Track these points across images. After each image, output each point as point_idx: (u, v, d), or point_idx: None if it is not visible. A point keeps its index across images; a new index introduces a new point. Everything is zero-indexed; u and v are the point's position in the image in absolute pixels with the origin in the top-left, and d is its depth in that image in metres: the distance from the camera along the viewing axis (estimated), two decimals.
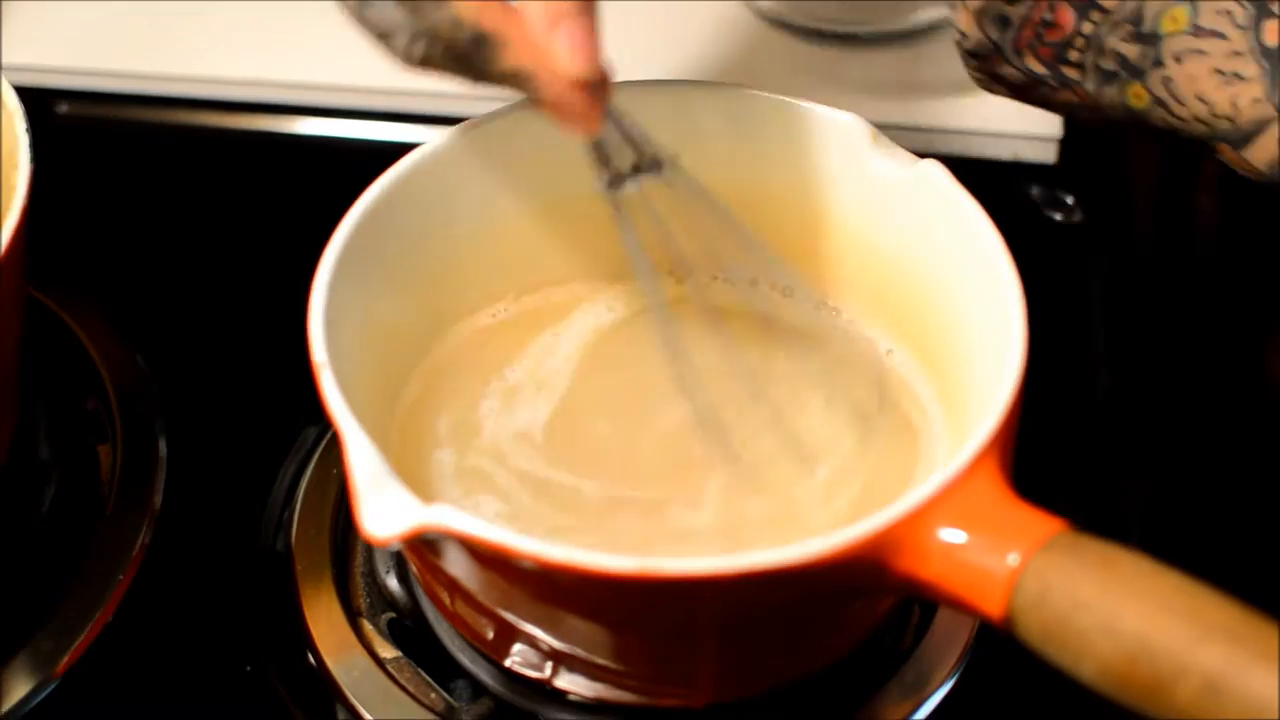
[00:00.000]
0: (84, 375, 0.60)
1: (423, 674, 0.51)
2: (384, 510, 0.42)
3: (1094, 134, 0.65)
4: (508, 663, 0.49)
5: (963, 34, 0.54)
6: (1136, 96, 0.52)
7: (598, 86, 0.45)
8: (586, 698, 0.49)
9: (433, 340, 0.54)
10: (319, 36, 0.72)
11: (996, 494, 0.42)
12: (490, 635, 0.49)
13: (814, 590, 0.42)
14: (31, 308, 0.60)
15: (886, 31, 0.72)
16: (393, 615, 0.53)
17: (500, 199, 0.53)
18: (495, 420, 0.52)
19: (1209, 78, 0.52)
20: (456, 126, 0.52)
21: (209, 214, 0.69)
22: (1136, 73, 0.52)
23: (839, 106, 0.53)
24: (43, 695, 0.52)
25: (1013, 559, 0.40)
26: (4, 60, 0.71)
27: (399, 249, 0.51)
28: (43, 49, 0.73)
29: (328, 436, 0.57)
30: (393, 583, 0.53)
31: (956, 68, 0.61)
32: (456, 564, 0.45)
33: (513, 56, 0.44)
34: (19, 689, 0.51)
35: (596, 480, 0.50)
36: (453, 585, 0.47)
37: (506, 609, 0.46)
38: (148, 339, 0.61)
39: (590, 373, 0.53)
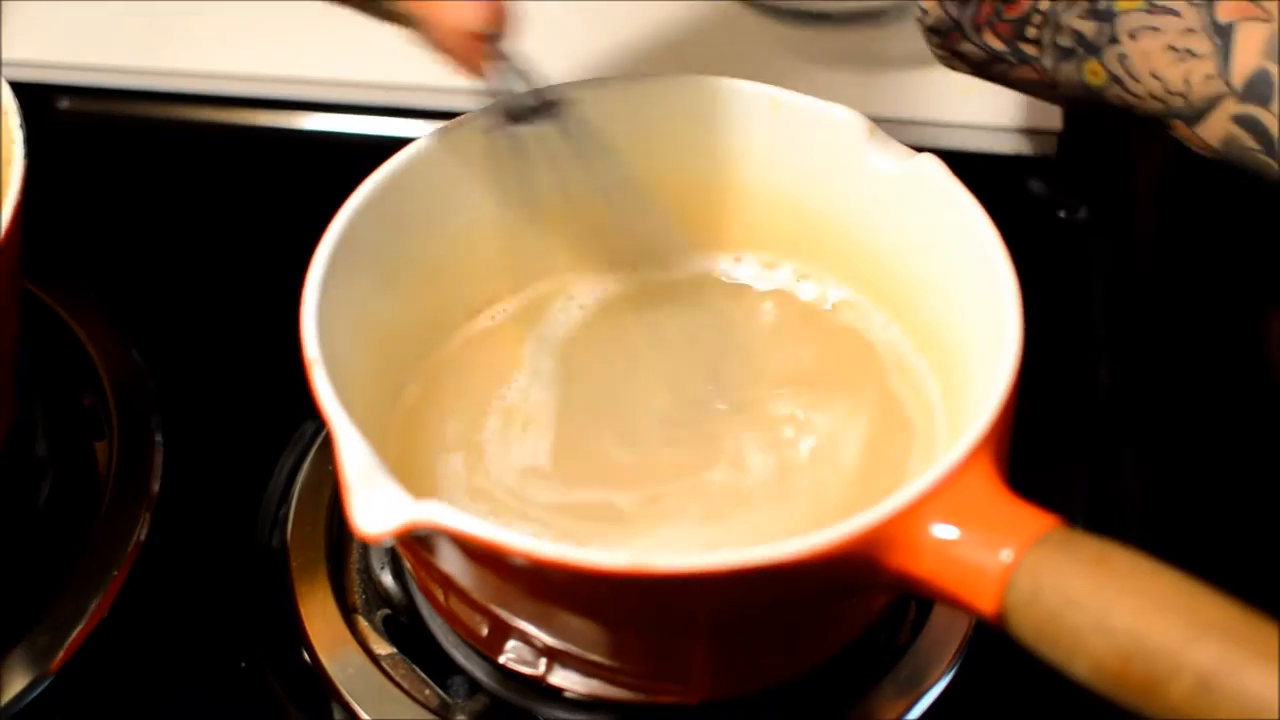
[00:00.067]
0: (81, 371, 0.59)
1: (418, 671, 0.51)
2: (375, 506, 0.42)
3: (1095, 127, 0.65)
4: (502, 659, 0.49)
5: (924, 10, 0.55)
6: (1093, 73, 0.54)
7: (486, 36, 0.46)
8: (581, 694, 0.49)
9: (432, 340, 0.54)
10: (318, 32, 0.72)
11: (990, 490, 0.42)
12: (484, 632, 0.48)
13: (807, 587, 0.42)
14: (29, 304, 0.60)
15: (866, 9, 0.72)
16: (388, 612, 0.53)
17: (489, 195, 0.53)
18: (499, 445, 0.52)
19: (1163, 54, 0.53)
20: (445, 124, 0.52)
21: (207, 210, 0.69)
22: (1093, 49, 0.53)
23: (837, 100, 0.53)
24: (38, 690, 0.52)
25: (1006, 555, 0.40)
26: (5, 56, 0.71)
27: (392, 244, 0.51)
28: (44, 45, 0.73)
29: (324, 432, 0.57)
30: (388, 579, 0.53)
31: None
32: (449, 560, 0.45)
33: (408, 5, 0.46)
34: (14, 684, 0.51)
35: (606, 491, 0.50)
36: (446, 582, 0.47)
37: (500, 605, 0.46)
38: (145, 335, 0.61)
39: (585, 374, 0.53)
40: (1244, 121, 0.52)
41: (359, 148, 0.71)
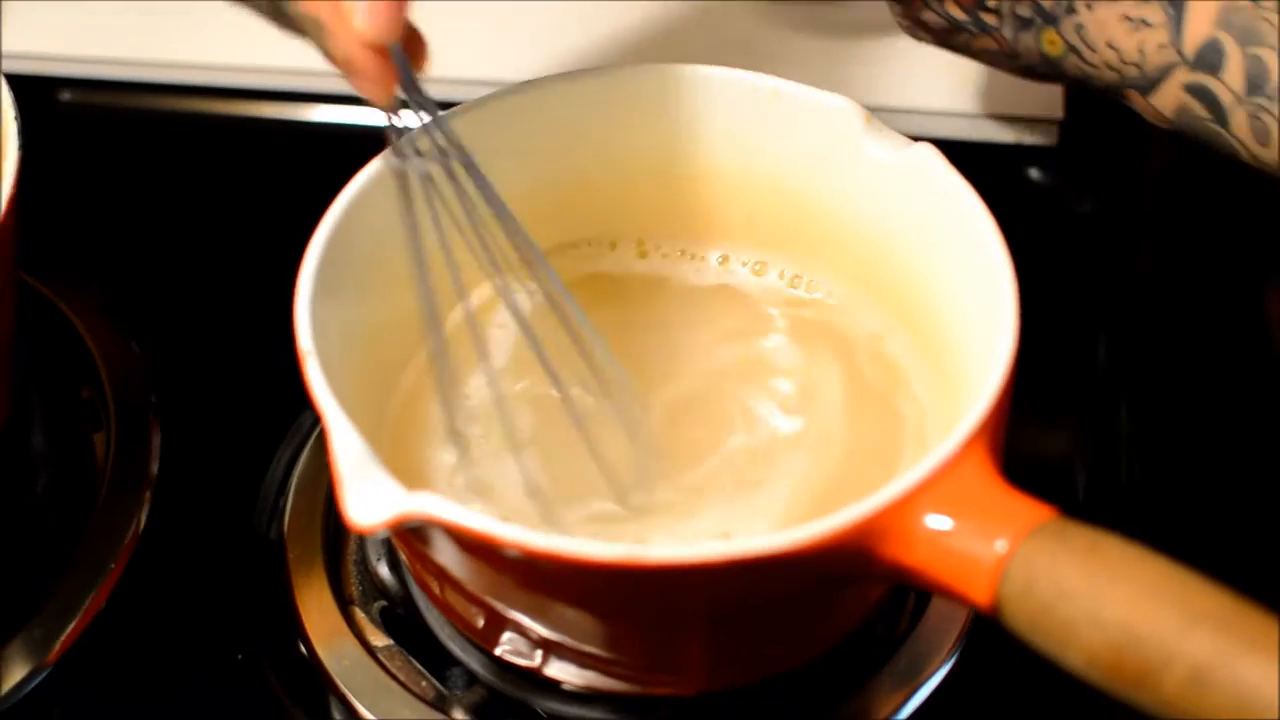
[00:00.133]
0: (79, 363, 0.59)
1: (414, 662, 0.51)
2: (368, 498, 0.42)
3: (1096, 117, 0.65)
4: (498, 651, 0.49)
5: None
6: (1051, 43, 0.54)
7: (397, 54, 0.45)
8: (577, 686, 0.49)
9: (423, 337, 0.53)
10: None
11: (985, 480, 0.42)
12: (480, 624, 0.48)
13: (800, 578, 0.42)
14: (28, 296, 0.60)
15: None
16: (385, 604, 0.53)
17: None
18: (491, 437, 0.51)
19: (1118, 24, 0.54)
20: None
21: (207, 202, 0.69)
22: (1050, 19, 0.54)
23: (835, 89, 0.52)
24: (36, 682, 0.52)
25: (1000, 546, 0.40)
26: (6, 48, 0.71)
27: (386, 237, 0.51)
28: (45, 37, 0.73)
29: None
30: (384, 571, 0.53)
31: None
32: (443, 552, 0.45)
33: (309, 6, 0.45)
34: (12, 675, 0.51)
35: (598, 481, 0.50)
36: (441, 574, 0.47)
37: (494, 597, 0.46)
38: (143, 327, 0.61)
39: (579, 364, 0.53)
40: (1195, 90, 0.53)
41: (360, 139, 0.70)
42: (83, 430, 0.58)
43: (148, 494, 0.56)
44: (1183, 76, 0.53)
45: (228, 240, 0.67)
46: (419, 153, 0.49)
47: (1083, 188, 0.67)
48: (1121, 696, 0.38)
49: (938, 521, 0.41)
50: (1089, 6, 0.54)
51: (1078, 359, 0.62)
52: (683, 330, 0.54)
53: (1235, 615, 0.37)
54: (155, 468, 0.56)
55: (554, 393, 0.51)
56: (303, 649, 0.52)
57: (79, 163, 0.71)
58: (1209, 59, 0.53)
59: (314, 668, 0.51)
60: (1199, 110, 0.54)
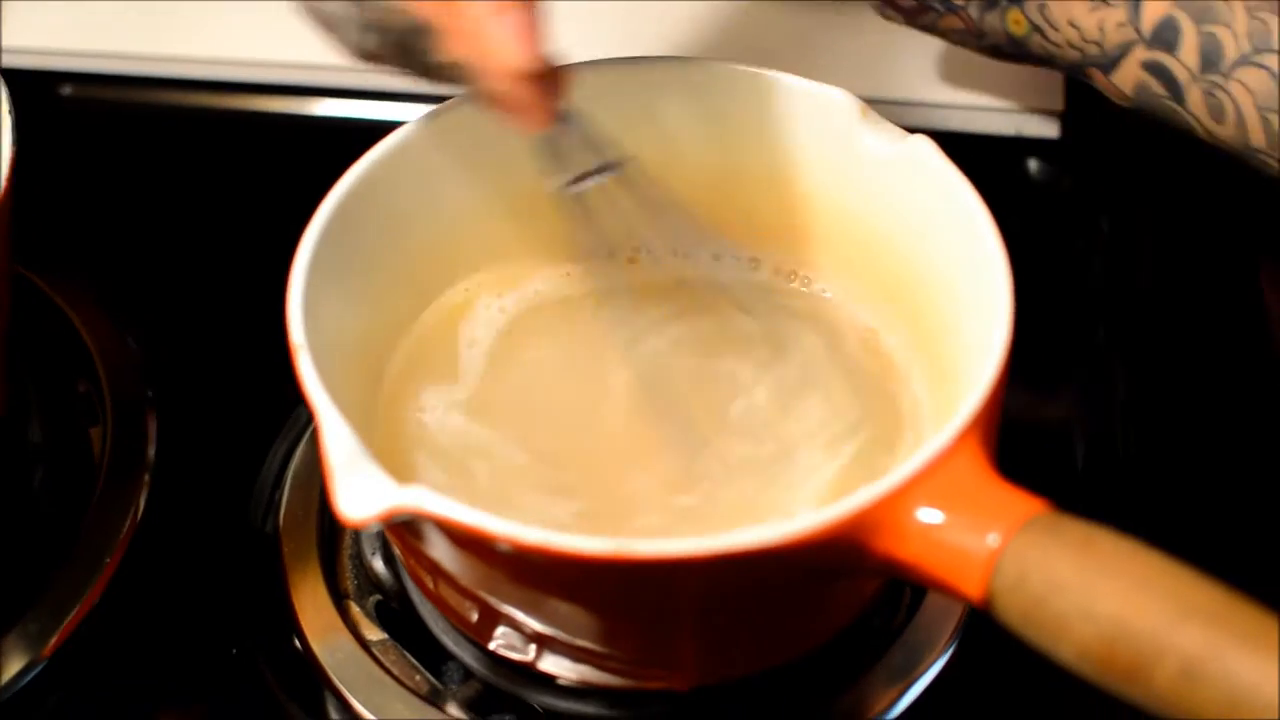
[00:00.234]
0: (76, 358, 0.59)
1: (409, 657, 0.51)
2: (359, 491, 0.42)
3: (1098, 107, 0.64)
4: (492, 646, 0.49)
5: None
6: (1015, 23, 0.56)
7: (543, 80, 0.45)
8: (571, 681, 0.49)
9: (413, 319, 0.53)
10: None
11: (978, 473, 0.42)
12: (473, 618, 0.48)
13: (791, 572, 0.42)
14: (25, 290, 0.60)
15: None
16: (380, 598, 0.53)
17: (473, 183, 0.53)
18: (484, 431, 0.51)
19: (1079, 3, 0.55)
20: (433, 108, 0.52)
21: (204, 196, 0.69)
22: None
23: (835, 80, 0.52)
24: (32, 675, 0.52)
25: (992, 540, 0.40)
26: (6, 43, 0.71)
27: (379, 230, 0.51)
28: (45, 31, 0.73)
29: None
30: (379, 565, 0.53)
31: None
32: (435, 546, 0.45)
33: (452, 47, 0.44)
34: (8, 669, 0.51)
35: (589, 473, 0.50)
36: (434, 568, 0.47)
37: (487, 591, 0.46)
38: (140, 321, 0.61)
39: (570, 359, 0.53)
40: (1152, 68, 0.54)
41: (360, 133, 0.70)
42: (79, 424, 0.58)
43: (144, 488, 0.56)
44: (1141, 54, 0.54)
45: (225, 235, 0.67)
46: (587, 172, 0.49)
47: (1084, 180, 0.67)
48: (1113, 690, 0.38)
49: (930, 515, 0.41)
50: None
51: (1079, 350, 0.62)
52: (679, 326, 0.54)
53: (1227, 609, 0.37)
54: (151, 462, 0.56)
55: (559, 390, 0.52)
56: (297, 643, 0.52)
57: (78, 157, 0.71)
58: (1165, 37, 0.53)
59: (308, 662, 0.51)
60: (1156, 88, 0.54)
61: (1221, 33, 0.52)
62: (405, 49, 0.46)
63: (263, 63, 0.72)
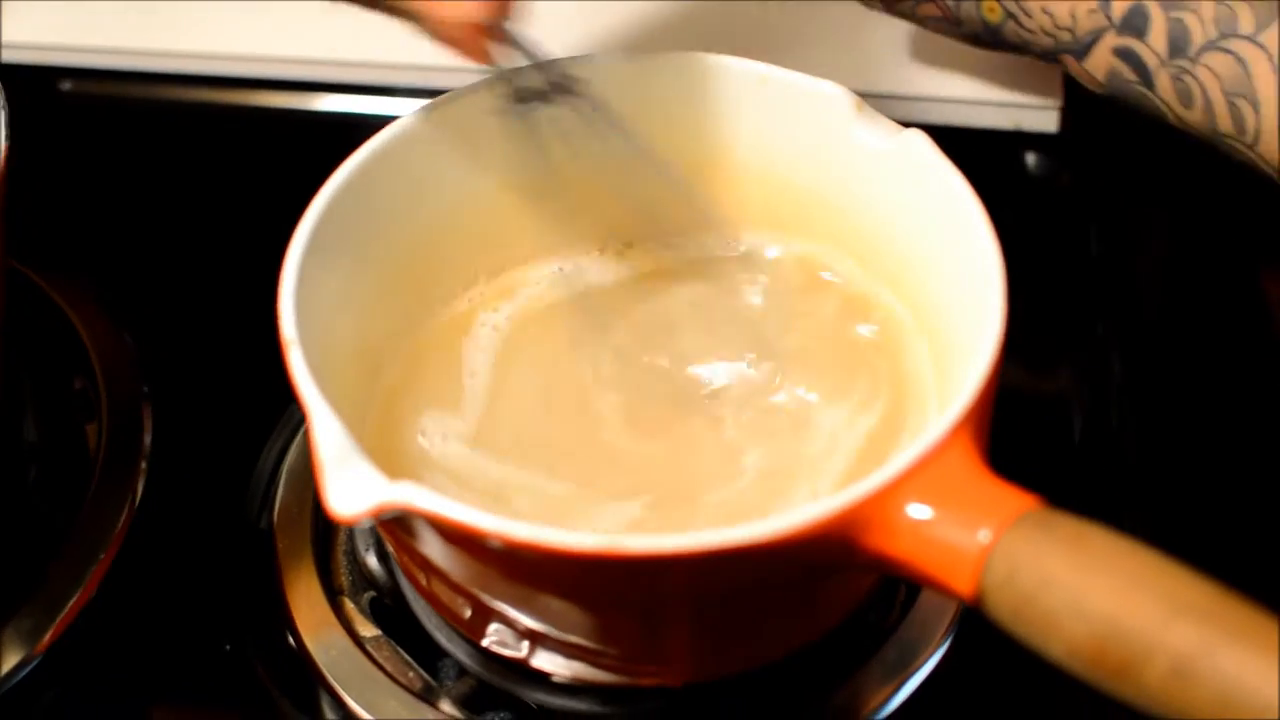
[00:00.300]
0: (72, 354, 0.59)
1: (402, 653, 0.51)
2: (349, 487, 0.42)
3: (1095, 102, 0.64)
4: (485, 642, 0.49)
5: None
6: (990, 10, 0.57)
7: (489, 27, 0.46)
8: (565, 678, 0.49)
9: (414, 321, 0.53)
10: (322, 11, 0.71)
11: (970, 470, 0.41)
12: (466, 615, 0.48)
13: (782, 568, 0.41)
14: (22, 286, 0.60)
15: None
16: (374, 594, 0.53)
17: (467, 178, 0.53)
18: (478, 428, 0.51)
19: None
20: (429, 102, 0.52)
21: (202, 192, 0.69)
22: None
23: (833, 75, 0.52)
24: (26, 670, 0.52)
25: (984, 536, 0.39)
26: (6, 38, 0.71)
27: (373, 225, 0.51)
28: (45, 26, 0.73)
29: None
30: (373, 561, 0.53)
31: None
32: (426, 543, 0.45)
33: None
34: (3, 665, 0.51)
35: (585, 469, 0.50)
36: (426, 565, 0.47)
37: (479, 588, 0.46)
38: (136, 318, 0.61)
39: (569, 355, 0.53)
40: (1122, 54, 0.55)
41: (359, 129, 0.70)
42: (75, 420, 0.58)
43: (139, 484, 0.56)
44: (1111, 40, 0.55)
45: (223, 231, 0.67)
46: (539, 92, 0.50)
47: (1082, 174, 0.67)
48: (1104, 688, 0.38)
49: (920, 511, 0.40)
50: None
51: (1079, 345, 0.62)
52: (674, 322, 0.54)
53: (1219, 607, 0.37)
54: (146, 458, 0.56)
55: (556, 379, 0.51)
56: (291, 639, 0.52)
57: (78, 153, 0.71)
58: (1134, 23, 0.54)
59: (302, 658, 0.51)
60: (1127, 74, 0.55)
61: (1189, 18, 0.53)
62: None
63: (262, 58, 0.72)
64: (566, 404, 0.52)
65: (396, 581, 0.53)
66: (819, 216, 0.54)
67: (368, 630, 0.52)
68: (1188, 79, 0.52)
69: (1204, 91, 0.52)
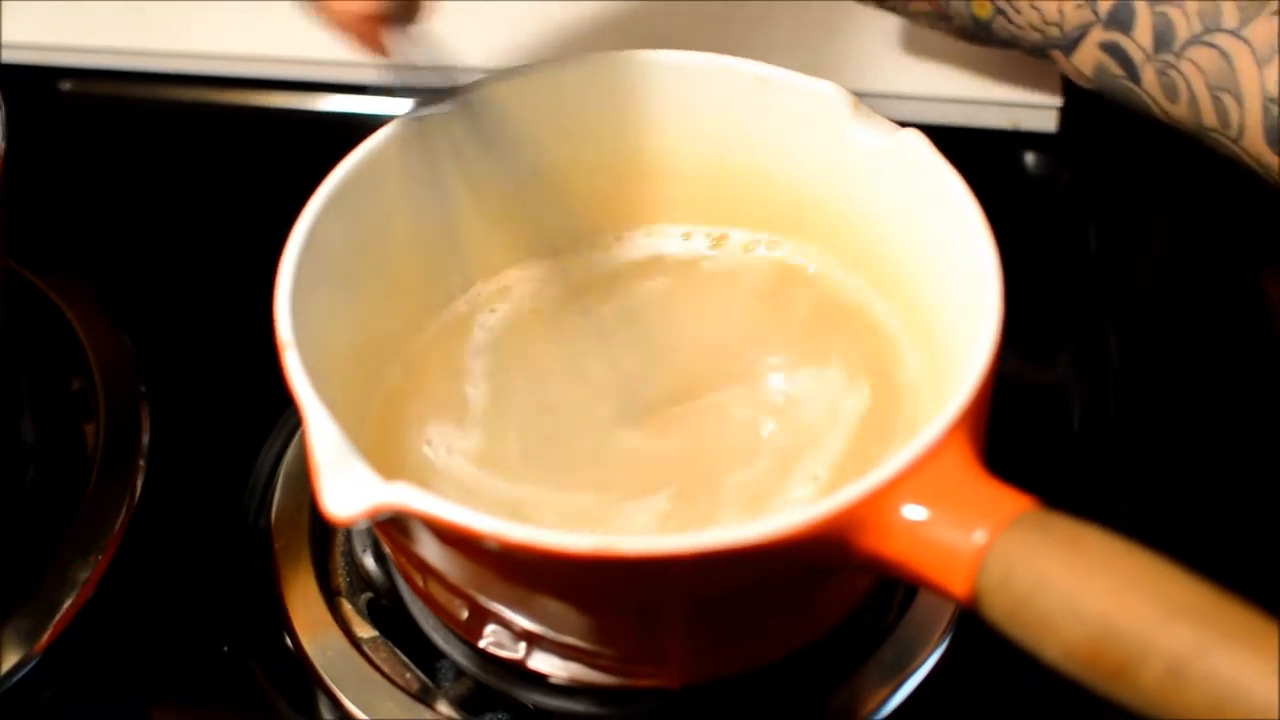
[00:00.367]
0: (70, 354, 0.59)
1: (399, 654, 0.51)
2: (344, 488, 0.42)
3: (1094, 102, 0.64)
4: (482, 644, 0.49)
5: None
6: (980, 6, 0.57)
7: (391, 17, 0.47)
8: (561, 679, 0.49)
9: (411, 326, 0.53)
10: None
11: (965, 470, 0.41)
12: (463, 616, 0.48)
13: (777, 569, 0.41)
14: (21, 287, 0.60)
15: None
16: (371, 595, 0.53)
17: (457, 180, 0.53)
18: (475, 431, 0.51)
19: None
20: (399, 117, 0.52)
21: (201, 193, 0.69)
22: None
23: (832, 74, 0.52)
24: (24, 671, 0.52)
25: (979, 537, 0.39)
26: (6, 38, 0.71)
27: (365, 231, 0.50)
28: (45, 26, 0.73)
29: None
30: (370, 562, 0.53)
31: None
32: (422, 544, 0.45)
33: None
34: (1, 664, 0.51)
35: (583, 472, 0.50)
36: (423, 566, 0.47)
37: (475, 589, 0.46)
38: (135, 319, 0.61)
39: (561, 360, 0.53)
40: (1109, 48, 0.55)
41: (360, 129, 0.70)
42: (73, 420, 0.58)
43: (137, 485, 0.56)
44: (1098, 35, 0.55)
45: (222, 232, 0.67)
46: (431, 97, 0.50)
47: (1081, 173, 0.67)
48: (1099, 690, 0.38)
49: (915, 512, 0.40)
50: None
51: (1073, 315, 0.62)
52: (670, 319, 0.54)
53: (1214, 608, 0.37)
54: (144, 458, 0.56)
55: (557, 384, 0.51)
56: (288, 640, 0.52)
57: (77, 153, 0.71)
58: (1121, 17, 0.55)
59: (299, 659, 0.51)
60: (1114, 68, 0.56)
61: (1174, 13, 0.53)
62: None
63: (262, 58, 0.72)
64: (570, 410, 0.51)
65: (394, 583, 0.53)
66: (814, 216, 0.53)
67: (365, 631, 0.52)
68: (1173, 73, 0.53)
69: (1189, 86, 0.53)
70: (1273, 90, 0.51)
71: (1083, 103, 0.65)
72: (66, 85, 0.73)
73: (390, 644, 0.51)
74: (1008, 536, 0.39)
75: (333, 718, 0.51)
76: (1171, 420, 0.59)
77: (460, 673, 0.51)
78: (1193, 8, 0.53)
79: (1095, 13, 0.56)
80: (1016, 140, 0.67)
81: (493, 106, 0.51)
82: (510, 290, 0.55)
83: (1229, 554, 0.53)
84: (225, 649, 0.53)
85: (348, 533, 0.54)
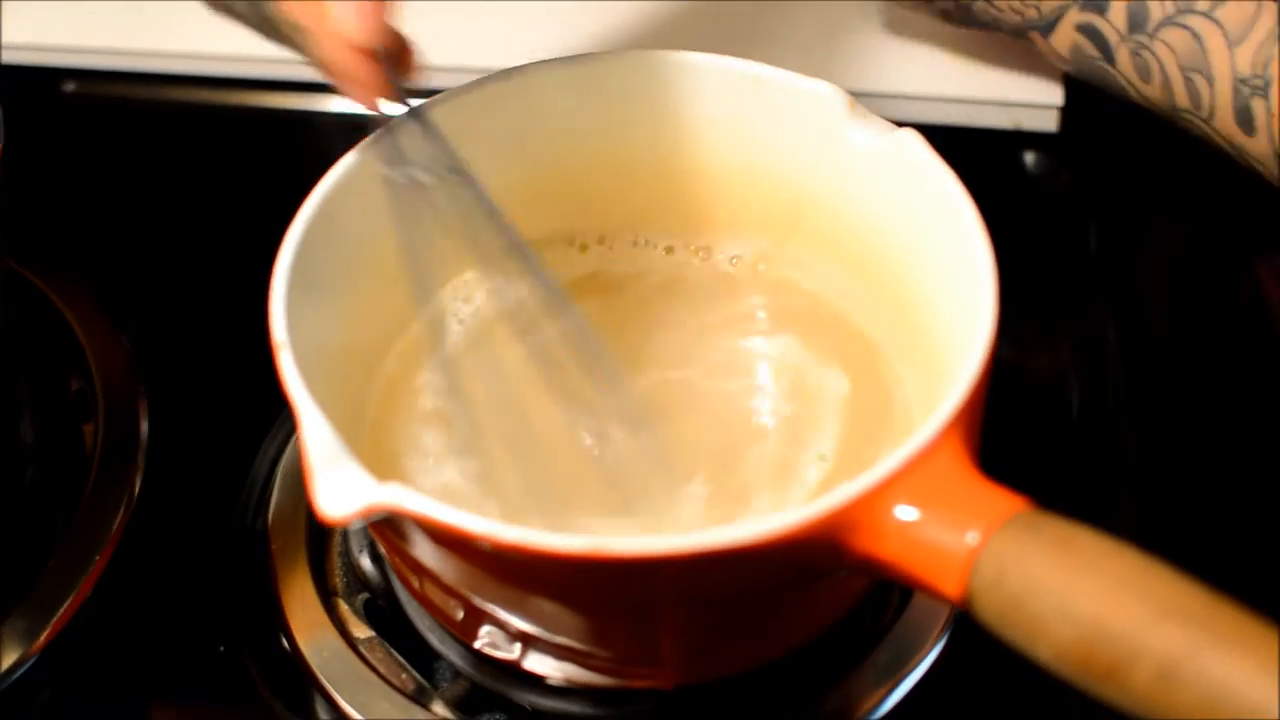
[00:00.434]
0: (69, 355, 0.59)
1: (396, 655, 0.51)
2: (337, 488, 0.42)
3: (1094, 102, 0.64)
4: (477, 644, 0.49)
5: None
6: None
7: (383, 58, 0.45)
8: (557, 680, 0.49)
9: (402, 329, 0.53)
10: None
11: (959, 471, 0.41)
12: (458, 617, 0.48)
13: (770, 570, 0.41)
14: (20, 287, 0.60)
15: None
16: (367, 596, 0.53)
17: (437, 190, 0.52)
18: (470, 431, 0.51)
19: None
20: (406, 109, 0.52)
21: (201, 193, 0.69)
22: None
23: (833, 74, 0.52)
24: (22, 670, 0.52)
25: (972, 538, 0.39)
26: (8, 39, 0.71)
27: (363, 230, 0.51)
28: (48, 27, 0.73)
29: None
30: (366, 563, 0.53)
31: (954, 34, 0.61)
32: (417, 545, 0.45)
33: (291, 9, 0.45)
34: None
35: (577, 474, 0.50)
36: (418, 567, 0.47)
37: (470, 590, 0.46)
38: (134, 320, 0.61)
39: (554, 360, 0.52)
40: (1085, 30, 0.55)
41: (360, 129, 0.70)
42: (72, 420, 0.58)
43: (135, 485, 0.56)
44: (1075, 17, 0.56)
45: (221, 232, 0.67)
46: (406, 158, 0.49)
47: (1081, 173, 0.67)
48: (1091, 691, 0.38)
49: (908, 513, 0.40)
50: None
51: (1078, 340, 0.62)
52: (667, 320, 0.54)
53: (1206, 610, 0.37)
54: (143, 459, 0.56)
55: (543, 388, 0.51)
56: (285, 641, 0.52)
57: (78, 154, 0.71)
58: None
59: (295, 660, 0.51)
60: (1090, 49, 0.56)
61: None
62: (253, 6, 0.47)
63: (262, 59, 0.72)
64: (571, 433, 0.51)
65: (390, 583, 0.53)
66: (810, 215, 0.53)
67: (361, 632, 0.52)
68: (1146, 54, 0.53)
69: (1161, 67, 0.53)
70: (1244, 71, 0.51)
71: (1083, 103, 0.65)
72: (70, 86, 0.73)
73: (386, 645, 0.51)
74: (1000, 537, 0.39)
75: (329, 718, 0.51)
76: (1171, 419, 0.59)
77: (456, 673, 0.51)
78: None
79: None
80: (1016, 140, 0.67)
81: (468, 115, 0.51)
82: (505, 290, 0.54)
83: (1227, 552, 0.53)
84: (222, 649, 0.53)
85: (344, 533, 0.54)
